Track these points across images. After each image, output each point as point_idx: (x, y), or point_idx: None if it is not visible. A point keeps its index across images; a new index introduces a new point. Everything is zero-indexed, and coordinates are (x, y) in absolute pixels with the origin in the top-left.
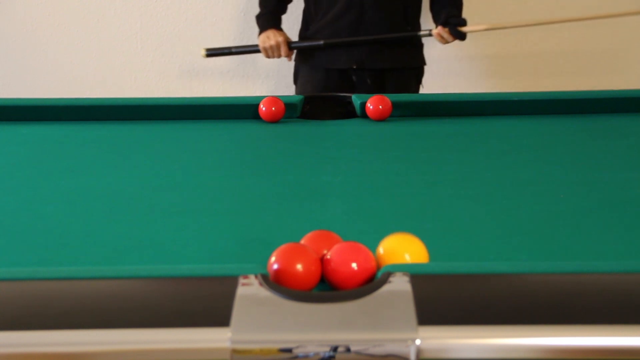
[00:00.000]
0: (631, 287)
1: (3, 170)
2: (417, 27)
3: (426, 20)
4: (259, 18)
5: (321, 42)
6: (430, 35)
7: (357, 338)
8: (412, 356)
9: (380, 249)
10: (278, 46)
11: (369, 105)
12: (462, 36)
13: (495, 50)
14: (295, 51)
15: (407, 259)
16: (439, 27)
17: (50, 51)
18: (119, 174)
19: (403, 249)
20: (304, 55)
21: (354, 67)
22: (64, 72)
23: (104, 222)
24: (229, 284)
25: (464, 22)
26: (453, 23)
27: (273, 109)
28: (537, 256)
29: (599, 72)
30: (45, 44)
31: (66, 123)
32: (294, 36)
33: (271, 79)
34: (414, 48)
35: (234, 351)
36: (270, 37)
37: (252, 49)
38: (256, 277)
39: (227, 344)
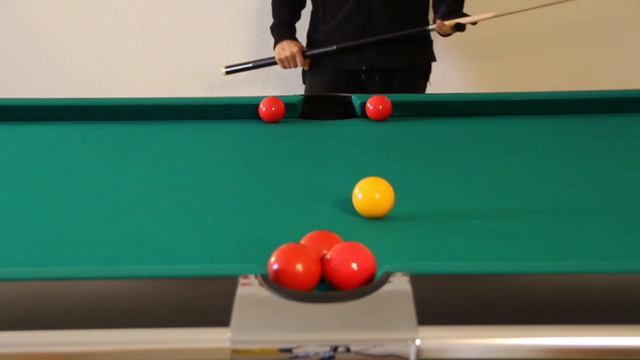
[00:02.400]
0: (631, 287)
1: (3, 170)
2: (425, 25)
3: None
4: (273, 29)
5: (334, 47)
6: (433, 29)
7: (357, 338)
8: (412, 356)
9: (357, 191)
10: (293, 57)
11: (369, 105)
12: (460, 27)
13: (498, 48)
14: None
15: (377, 197)
16: (438, 20)
17: (50, 51)
18: (119, 174)
19: (373, 189)
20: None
21: (364, 67)
22: (64, 72)
23: (104, 222)
24: (229, 284)
25: (462, 14)
26: (452, 15)
27: (273, 109)
28: (537, 256)
29: (599, 71)
30: (45, 44)
31: (66, 123)
32: (302, 37)
33: (271, 79)
34: (423, 45)
35: (234, 351)
36: (285, 49)
37: (270, 62)
38: (256, 277)
39: (227, 344)
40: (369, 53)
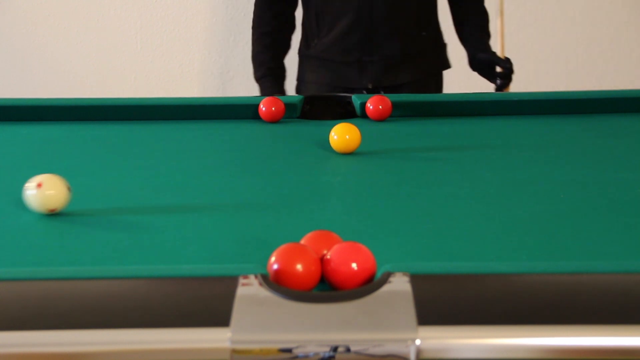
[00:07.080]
0: (631, 287)
1: (3, 170)
2: (434, 29)
3: (444, 18)
4: (258, 81)
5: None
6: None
7: (357, 338)
8: (412, 356)
9: (332, 134)
10: None
11: (369, 105)
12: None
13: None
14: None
15: (347, 138)
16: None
17: (50, 51)
18: (119, 174)
19: (345, 132)
20: (311, 71)
21: (370, 86)
22: (64, 72)
23: (103, 222)
24: (229, 284)
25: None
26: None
27: (273, 109)
28: (537, 256)
29: (599, 71)
30: (45, 44)
31: (66, 123)
32: (294, 54)
33: None
34: (435, 52)
35: (234, 351)
36: None
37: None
38: (256, 277)
39: (227, 344)
40: (374, 69)
